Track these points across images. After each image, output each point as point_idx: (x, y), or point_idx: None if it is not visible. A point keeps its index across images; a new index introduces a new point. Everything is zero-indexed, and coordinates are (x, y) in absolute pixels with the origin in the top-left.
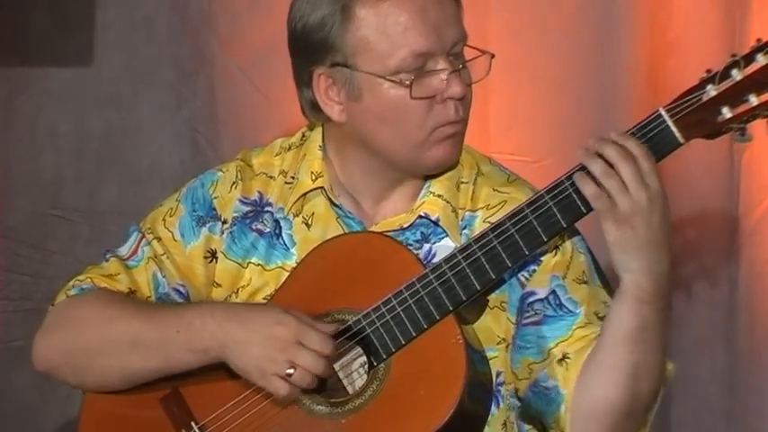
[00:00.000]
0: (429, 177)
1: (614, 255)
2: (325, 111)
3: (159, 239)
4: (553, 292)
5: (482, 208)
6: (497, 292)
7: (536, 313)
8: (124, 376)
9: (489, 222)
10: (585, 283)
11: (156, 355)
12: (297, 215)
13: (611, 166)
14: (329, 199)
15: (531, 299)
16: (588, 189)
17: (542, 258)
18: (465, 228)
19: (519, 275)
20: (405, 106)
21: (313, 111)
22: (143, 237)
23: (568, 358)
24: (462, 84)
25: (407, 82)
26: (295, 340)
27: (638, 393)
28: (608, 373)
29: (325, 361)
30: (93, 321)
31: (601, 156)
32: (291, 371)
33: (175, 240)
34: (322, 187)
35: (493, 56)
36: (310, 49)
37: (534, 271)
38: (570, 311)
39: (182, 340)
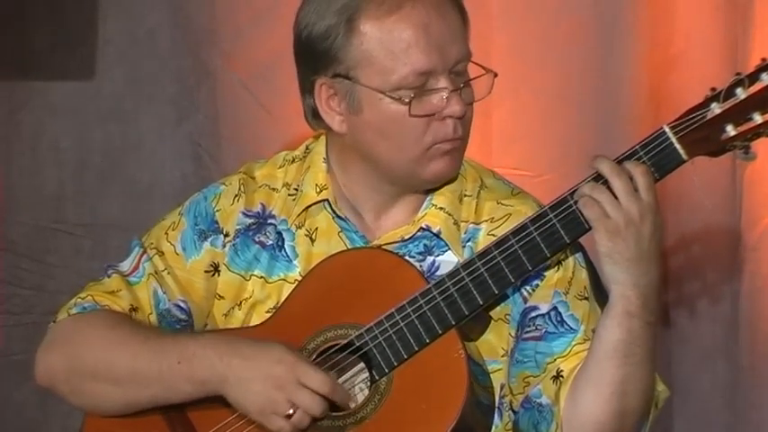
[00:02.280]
0: (430, 190)
1: (604, 266)
2: (326, 120)
3: (162, 254)
4: (555, 308)
5: (486, 221)
6: (501, 305)
7: (537, 329)
8: (123, 403)
9: (493, 235)
10: (586, 299)
11: (156, 385)
12: (300, 227)
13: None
14: (333, 212)
15: (532, 314)
16: (582, 199)
17: (545, 273)
18: (469, 240)
19: (521, 290)
20: (403, 122)
21: (315, 119)
22: (144, 252)
23: (562, 376)
24: (462, 103)
25: (407, 99)
26: (295, 380)
27: (626, 410)
28: (595, 388)
29: (325, 401)
30: (94, 346)
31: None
32: (292, 411)
33: (177, 254)
34: (326, 200)
35: (496, 75)
36: (313, 58)
37: (537, 286)
38: (571, 328)
39: (182, 371)
